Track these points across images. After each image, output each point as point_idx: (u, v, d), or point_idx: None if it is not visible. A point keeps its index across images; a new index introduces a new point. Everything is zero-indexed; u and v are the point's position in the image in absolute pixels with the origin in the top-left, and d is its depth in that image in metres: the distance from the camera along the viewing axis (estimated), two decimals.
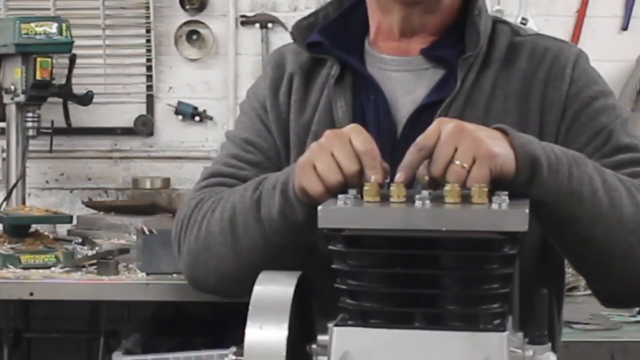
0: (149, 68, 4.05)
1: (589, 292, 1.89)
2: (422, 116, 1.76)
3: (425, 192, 1.35)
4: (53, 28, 3.46)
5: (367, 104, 1.81)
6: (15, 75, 3.48)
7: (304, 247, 1.70)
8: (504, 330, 1.31)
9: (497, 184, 1.45)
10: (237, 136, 1.89)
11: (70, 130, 3.82)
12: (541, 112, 1.76)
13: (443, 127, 1.48)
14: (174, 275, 2.81)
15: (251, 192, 1.71)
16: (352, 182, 1.50)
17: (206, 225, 1.75)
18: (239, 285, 1.76)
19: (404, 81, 1.81)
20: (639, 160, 1.73)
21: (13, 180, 3.58)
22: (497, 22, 1.85)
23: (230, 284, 1.77)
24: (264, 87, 1.89)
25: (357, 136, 1.53)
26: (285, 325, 1.31)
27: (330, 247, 1.37)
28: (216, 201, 1.76)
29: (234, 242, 1.71)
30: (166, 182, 3.91)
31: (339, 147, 1.53)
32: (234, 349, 1.36)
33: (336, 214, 1.34)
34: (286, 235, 1.66)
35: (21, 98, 3.49)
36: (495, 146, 1.48)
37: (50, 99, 3.59)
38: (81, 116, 3.92)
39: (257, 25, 4.01)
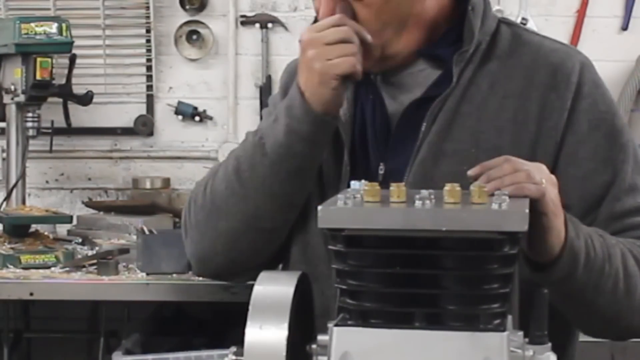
0: (149, 68, 4.05)
1: None
2: (417, 111, 1.78)
3: (425, 192, 1.35)
4: (53, 28, 3.45)
5: (366, 104, 1.85)
6: (15, 75, 3.47)
7: (306, 194, 1.78)
8: (504, 330, 1.31)
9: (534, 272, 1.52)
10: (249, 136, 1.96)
11: (70, 130, 3.82)
12: (540, 116, 1.76)
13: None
14: (174, 275, 2.80)
15: (251, 137, 1.80)
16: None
17: (210, 189, 1.82)
18: (247, 251, 1.83)
19: (401, 82, 1.83)
20: None
21: (13, 180, 3.58)
22: (502, 22, 1.85)
23: (238, 251, 1.82)
24: (277, 92, 1.98)
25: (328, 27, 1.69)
26: (285, 325, 1.31)
27: (330, 247, 1.38)
28: (216, 167, 1.86)
29: (241, 189, 1.78)
30: (166, 182, 3.91)
31: (328, 36, 1.67)
32: (234, 349, 1.36)
33: (336, 214, 1.34)
34: (294, 160, 1.73)
35: (21, 98, 3.49)
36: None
37: (50, 99, 3.59)
38: (81, 116, 3.91)
39: (257, 25, 4.01)
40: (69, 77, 3.59)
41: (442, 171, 1.72)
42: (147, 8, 4.01)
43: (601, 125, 1.77)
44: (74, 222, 3.46)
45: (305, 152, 1.73)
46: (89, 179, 4.08)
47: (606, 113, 1.78)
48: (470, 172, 1.53)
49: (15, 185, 3.56)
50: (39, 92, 3.48)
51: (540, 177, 1.51)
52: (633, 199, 1.75)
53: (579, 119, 1.76)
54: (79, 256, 3.07)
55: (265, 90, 3.94)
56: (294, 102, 1.72)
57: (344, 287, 1.36)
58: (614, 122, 1.78)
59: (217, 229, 1.82)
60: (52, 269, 2.96)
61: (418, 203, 1.33)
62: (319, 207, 1.35)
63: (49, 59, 3.44)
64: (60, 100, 3.64)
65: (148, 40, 4.03)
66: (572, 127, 1.76)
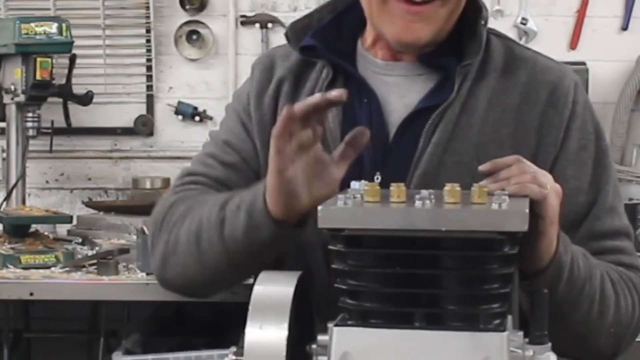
0: (149, 68, 4.05)
1: None
2: (416, 120, 1.77)
3: (425, 192, 1.35)
4: (53, 28, 3.45)
5: (360, 108, 1.81)
6: (15, 75, 3.47)
7: (266, 264, 1.68)
8: (504, 330, 1.31)
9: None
10: (219, 137, 1.93)
11: (70, 130, 3.82)
12: (540, 132, 1.77)
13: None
14: None
15: (217, 209, 1.72)
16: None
17: (175, 232, 1.78)
18: (203, 289, 1.84)
19: (397, 85, 1.81)
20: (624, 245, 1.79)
21: (13, 180, 3.58)
22: (491, 34, 1.84)
23: (196, 287, 1.82)
24: (249, 89, 1.90)
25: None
26: (285, 325, 1.31)
27: (330, 247, 1.38)
28: (187, 209, 1.79)
29: (198, 255, 1.74)
30: (166, 182, 3.90)
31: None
32: (234, 349, 1.36)
33: (336, 214, 1.34)
34: (248, 254, 1.68)
35: (21, 98, 3.49)
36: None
37: (50, 99, 3.59)
38: (81, 116, 3.91)
39: (257, 25, 4.01)
40: (69, 77, 3.59)
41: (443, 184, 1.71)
42: (147, 8, 4.01)
43: (589, 145, 1.79)
44: (74, 222, 3.46)
45: (264, 250, 1.68)
46: (89, 179, 4.08)
47: (593, 134, 1.81)
48: (482, 168, 1.53)
49: (15, 185, 3.56)
50: (39, 92, 3.48)
51: (546, 181, 1.51)
52: (611, 220, 1.78)
53: (571, 138, 1.79)
54: (79, 256, 3.07)
55: None
56: (255, 206, 1.65)
57: (344, 287, 1.36)
58: (599, 143, 1.81)
59: (176, 270, 1.79)
60: (52, 269, 2.96)
61: (418, 203, 1.33)
62: (319, 207, 1.35)
63: (49, 59, 3.45)
64: (60, 100, 3.64)
65: (148, 40, 4.03)
66: (565, 146, 1.78)
